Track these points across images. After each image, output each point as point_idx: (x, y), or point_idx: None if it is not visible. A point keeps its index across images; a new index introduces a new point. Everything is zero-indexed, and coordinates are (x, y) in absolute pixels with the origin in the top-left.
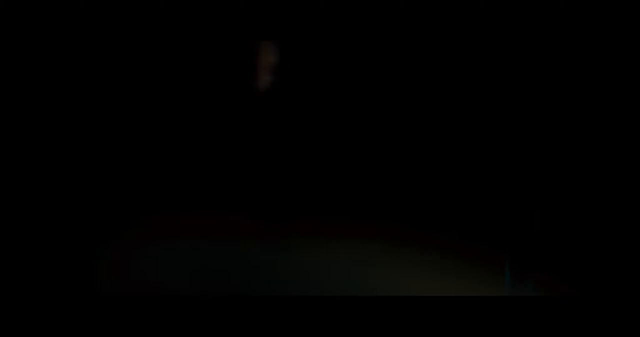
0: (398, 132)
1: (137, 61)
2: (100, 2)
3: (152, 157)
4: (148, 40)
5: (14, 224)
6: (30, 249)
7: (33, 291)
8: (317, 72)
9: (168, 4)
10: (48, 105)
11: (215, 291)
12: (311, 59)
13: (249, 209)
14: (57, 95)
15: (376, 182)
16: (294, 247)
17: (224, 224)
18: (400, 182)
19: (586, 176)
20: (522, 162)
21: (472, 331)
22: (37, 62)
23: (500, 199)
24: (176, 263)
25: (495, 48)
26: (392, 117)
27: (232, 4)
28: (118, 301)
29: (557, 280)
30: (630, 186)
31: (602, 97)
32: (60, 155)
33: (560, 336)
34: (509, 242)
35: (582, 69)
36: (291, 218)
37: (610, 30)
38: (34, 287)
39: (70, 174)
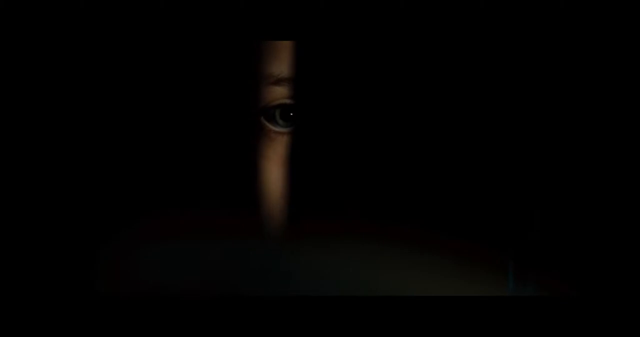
0: (398, 132)
1: (137, 61)
2: (101, 2)
3: (152, 157)
4: (153, 39)
5: (12, 224)
6: (30, 249)
7: (32, 291)
8: (317, 72)
9: (168, 4)
10: (46, 105)
11: (215, 291)
12: (311, 59)
13: (249, 209)
14: (55, 95)
15: (376, 182)
16: (294, 247)
17: (224, 224)
18: (401, 182)
19: (586, 176)
20: (522, 162)
21: (472, 331)
22: (35, 62)
23: (501, 200)
24: (176, 263)
25: (494, 48)
26: (391, 117)
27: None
28: (118, 301)
29: (558, 280)
30: (630, 186)
31: (602, 97)
32: (59, 155)
33: (560, 336)
34: (509, 242)
35: (582, 69)
36: (292, 218)
37: (610, 30)
38: (34, 288)
39: (69, 173)
